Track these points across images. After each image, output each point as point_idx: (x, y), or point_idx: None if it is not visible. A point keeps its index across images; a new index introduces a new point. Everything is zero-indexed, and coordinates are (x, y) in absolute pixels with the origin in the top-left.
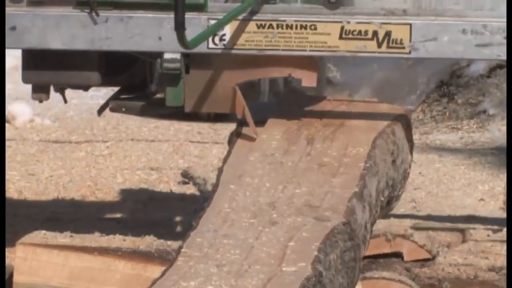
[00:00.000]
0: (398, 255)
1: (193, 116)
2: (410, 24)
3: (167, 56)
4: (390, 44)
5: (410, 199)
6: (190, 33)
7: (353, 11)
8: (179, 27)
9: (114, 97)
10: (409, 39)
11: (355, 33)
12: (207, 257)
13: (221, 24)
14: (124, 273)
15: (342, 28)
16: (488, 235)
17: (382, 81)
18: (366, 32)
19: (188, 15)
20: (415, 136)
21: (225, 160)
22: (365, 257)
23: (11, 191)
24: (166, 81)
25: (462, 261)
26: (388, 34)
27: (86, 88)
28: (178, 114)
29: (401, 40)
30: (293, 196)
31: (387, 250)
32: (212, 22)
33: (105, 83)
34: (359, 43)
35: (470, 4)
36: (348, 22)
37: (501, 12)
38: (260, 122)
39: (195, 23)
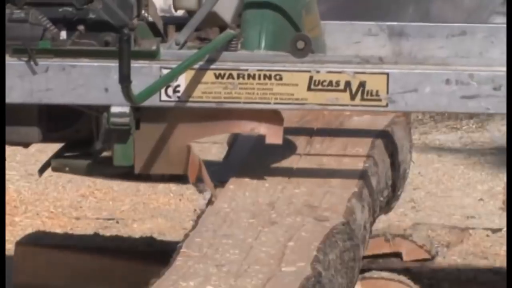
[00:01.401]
0: (397, 255)
1: (146, 177)
2: (387, 74)
3: (114, 109)
4: (365, 96)
5: (409, 199)
6: (140, 84)
7: (323, 59)
8: (124, 79)
9: (57, 155)
10: (386, 90)
11: (325, 83)
12: (206, 257)
13: (174, 75)
14: (123, 273)
15: (311, 78)
16: (487, 235)
17: None
18: (337, 82)
19: (138, 64)
20: (414, 136)
21: None
22: (365, 257)
23: (11, 191)
24: (113, 137)
25: (461, 261)
26: (362, 85)
27: (25, 145)
28: (129, 174)
29: (377, 91)
30: (292, 196)
31: (386, 250)
32: (165, 71)
33: (46, 139)
34: (330, 95)
35: (456, 48)
36: (318, 72)
37: (490, 58)
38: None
39: (145, 72)
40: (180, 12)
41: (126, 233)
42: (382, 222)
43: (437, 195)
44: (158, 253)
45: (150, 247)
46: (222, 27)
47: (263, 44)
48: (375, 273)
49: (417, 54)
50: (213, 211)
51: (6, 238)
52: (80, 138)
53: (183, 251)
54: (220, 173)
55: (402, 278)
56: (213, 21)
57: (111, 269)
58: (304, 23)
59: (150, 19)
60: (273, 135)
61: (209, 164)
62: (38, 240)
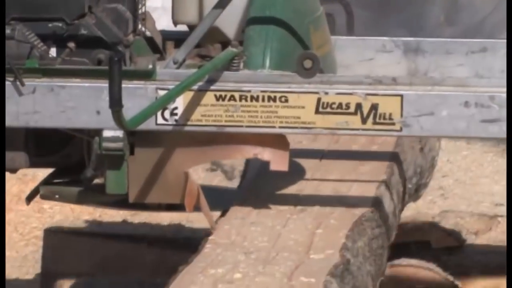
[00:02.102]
0: (426, 242)
1: (141, 206)
2: (401, 96)
3: (107, 134)
4: (377, 120)
5: (438, 187)
6: (135, 106)
7: (332, 79)
8: (115, 104)
9: (46, 182)
10: (400, 113)
11: (335, 106)
12: (235, 245)
13: (171, 97)
14: (152, 260)
15: (319, 100)
16: None
17: None
18: (347, 105)
19: (132, 85)
20: None
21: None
22: (393, 245)
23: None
24: (105, 164)
25: (490, 249)
26: (374, 107)
27: (12, 171)
28: (123, 202)
29: (390, 115)
30: (321, 184)
31: (415, 237)
32: (161, 92)
33: (34, 165)
34: (340, 118)
35: (476, 66)
36: (326, 93)
37: None
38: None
39: (140, 94)
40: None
41: (155, 220)
42: (411, 209)
43: (465, 183)
44: (186, 240)
45: (178, 234)
46: (225, 43)
47: (267, 63)
48: (404, 261)
49: (434, 72)
50: (241, 199)
51: (35, 225)
52: (71, 164)
53: (211, 238)
54: (222, 200)
55: (431, 265)
56: (215, 37)
57: (140, 256)
58: (312, 40)
59: (148, 33)
60: (278, 161)
61: (210, 190)
62: (66, 228)
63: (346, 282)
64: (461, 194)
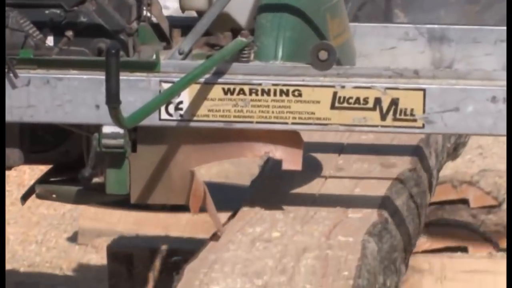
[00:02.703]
0: (464, 201)
1: (144, 206)
2: (424, 90)
3: (106, 130)
4: (398, 116)
5: (477, 145)
6: (137, 101)
7: (349, 71)
8: (111, 99)
9: (42, 180)
10: (422, 109)
11: (352, 101)
12: (273, 204)
13: (175, 90)
14: (190, 219)
15: (335, 94)
16: None
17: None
18: (366, 100)
19: (134, 77)
20: None
21: None
22: (431, 204)
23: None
24: (105, 161)
25: None
26: (394, 102)
27: (6, 168)
28: (125, 202)
29: (411, 110)
30: (360, 145)
31: (453, 196)
32: (165, 85)
33: (30, 161)
34: (357, 114)
35: (505, 56)
36: (343, 87)
37: None
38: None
39: (142, 87)
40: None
41: None
42: (449, 168)
43: (504, 141)
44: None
45: None
46: (236, 31)
47: (280, 54)
48: (442, 220)
49: (460, 62)
50: (252, 198)
51: None
52: (69, 161)
53: (249, 198)
54: (232, 200)
55: (469, 224)
56: (225, 24)
57: (177, 215)
58: (328, 29)
59: (154, 20)
60: (291, 160)
61: (219, 188)
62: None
63: (384, 241)
64: (500, 153)
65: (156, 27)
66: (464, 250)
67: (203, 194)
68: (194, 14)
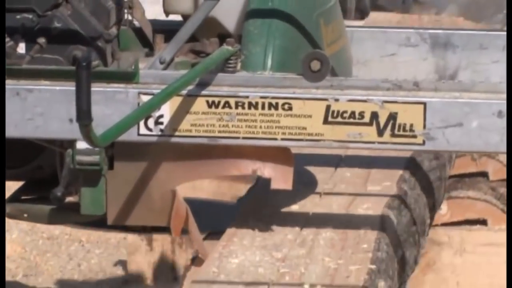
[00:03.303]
0: (483, 174)
1: (123, 227)
2: (425, 104)
3: (81, 145)
4: (396, 132)
5: None
6: (114, 114)
7: (344, 83)
8: (83, 117)
9: (13, 198)
10: (422, 124)
11: (346, 115)
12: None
13: (155, 104)
14: None
15: (328, 108)
16: None
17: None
18: (361, 114)
19: (111, 88)
20: None
21: None
22: (451, 177)
23: None
24: (80, 180)
25: None
26: (392, 117)
27: None
28: (102, 222)
29: (411, 126)
30: None
31: (472, 169)
32: (145, 98)
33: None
34: (352, 129)
35: None
36: (337, 100)
37: None
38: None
39: (120, 99)
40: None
41: None
42: None
43: None
44: None
45: None
46: (224, 36)
47: (269, 64)
48: (461, 193)
49: (465, 69)
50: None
51: None
52: (42, 177)
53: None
54: (216, 221)
55: (488, 197)
56: (212, 29)
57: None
58: (322, 35)
59: (137, 24)
60: (280, 179)
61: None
62: None
63: (403, 214)
64: None
65: (139, 32)
66: (483, 223)
67: (185, 215)
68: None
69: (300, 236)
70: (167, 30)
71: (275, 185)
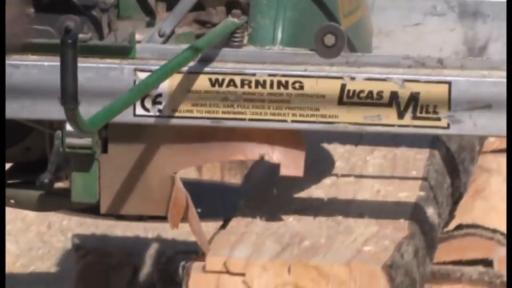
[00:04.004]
0: None
1: (117, 216)
2: (450, 83)
3: (71, 127)
4: (418, 114)
5: None
6: (107, 93)
7: (361, 59)
8: (68, 100)
9: None
10: (447, 105)
11: (363, 95)
12: None
13: (153, 82)
14: None
15: (343, 87)
16: None
17: None
18: (380, 94)
19: (104, 64)
20: None
21: None
22: None
23: None
24: (71, 164)
25: None
26: (414, 98)
27: None
28: (95, 210)
29: (435, 107)
30: None
31: None
32: (141, 75)
33: None
34: (369, 111)
35: None
36: (353, 78)
37: None
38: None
39: (114, 76)
40: None
41: None
42: None
43: None
44: None
45: None
46: (232, 4)
47: (278, 38)
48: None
49: (496, 41)
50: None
51: None
52: (31, 159)
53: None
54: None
55: None
56: None
57: None
58: (338, 6)
59: None
60: (290, 164)
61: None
62: None
63: (452, 142)
64: None
65: None
66: None
67: (184, 204)
68: None
69: (348, 163)
70: None
71: (284, 171)
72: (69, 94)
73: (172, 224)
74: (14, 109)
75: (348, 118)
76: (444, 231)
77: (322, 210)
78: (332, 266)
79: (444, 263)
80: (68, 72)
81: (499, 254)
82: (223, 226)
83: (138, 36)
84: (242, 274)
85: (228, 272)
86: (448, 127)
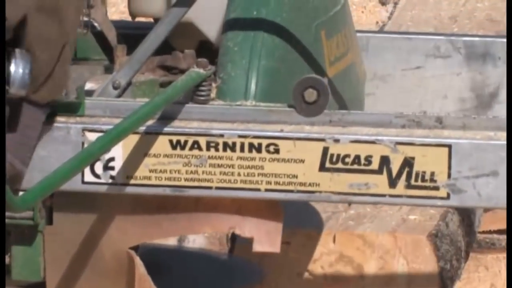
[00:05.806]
0: None
1: None
2: (450, 146)
3: None
4: (413, 182)
5: None
6: (51, 156)
7: (346, 117)
8: None
9: None
10: (447, 172)
11: (349, 160)
12: None
13: (102, 147)
14: None
15: (326, 150)
16: None
17: None
18: (368, 159)
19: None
20: None
21: None
22: None
23: None
24: (10, 237)
25: None
26: (408, 163)
27: None
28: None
29: (432, 174)
30: (475, 10)
31: None
32: (91, 136)
33: None
34: (356, 178)
35: None
36: (337, 141)
37: None
38: None
39: (60, 137)
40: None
41: None
42: None
43: None
44: None
45: None
46: (203, 46)
47: (252, 92)
48: None
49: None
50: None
51: None
52: None
53: None
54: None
55: None
56: (188, 36)
57: None
58: (323, 52)
59: (98, 27)
60: (264, 239)
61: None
62: None
63: None
64: None
65: (100, 37)
66: None
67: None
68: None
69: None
70: (136, 36)
71: (258, 247)
72: None
73: None
74: None
75: (331, 186)
76: None
77: None
78: (377, 235)
79: (490, 231)
80: None
81: None
82: None
83: (92, 85)
84: (287, 243)
85: None
86: (448, 197)
